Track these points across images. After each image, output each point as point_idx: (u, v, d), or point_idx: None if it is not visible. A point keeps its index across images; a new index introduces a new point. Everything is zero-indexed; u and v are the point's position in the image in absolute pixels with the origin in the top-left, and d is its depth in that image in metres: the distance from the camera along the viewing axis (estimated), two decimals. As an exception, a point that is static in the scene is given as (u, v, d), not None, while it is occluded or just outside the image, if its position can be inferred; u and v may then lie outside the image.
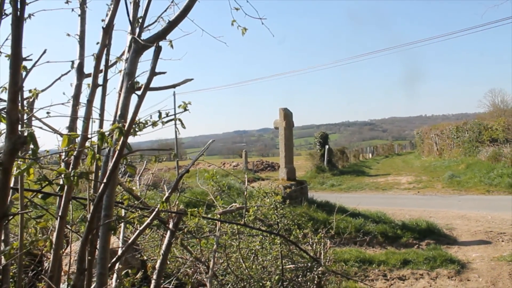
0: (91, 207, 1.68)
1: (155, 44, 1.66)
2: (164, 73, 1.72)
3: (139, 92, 1.64)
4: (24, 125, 1.88)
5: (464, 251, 8.30)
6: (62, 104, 2.64)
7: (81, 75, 2.56)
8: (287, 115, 12.64)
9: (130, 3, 2.51)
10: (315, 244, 4.94)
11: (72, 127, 2.50)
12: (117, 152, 1.56)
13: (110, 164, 1.62)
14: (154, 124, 2.27)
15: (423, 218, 10.54)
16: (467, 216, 11.57)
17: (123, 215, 3.62)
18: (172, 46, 2.28)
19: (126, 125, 1.55)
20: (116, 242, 4.27)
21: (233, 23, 2.63)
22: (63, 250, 3.37)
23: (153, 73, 1.59)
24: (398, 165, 33.50)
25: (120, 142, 1.54)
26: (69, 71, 2.67)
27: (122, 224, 3.81)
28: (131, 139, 2.25)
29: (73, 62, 2.39)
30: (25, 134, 1.42)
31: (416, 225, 9.93)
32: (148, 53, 2.05)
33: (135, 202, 3.30)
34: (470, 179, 18.16)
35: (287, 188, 11.69)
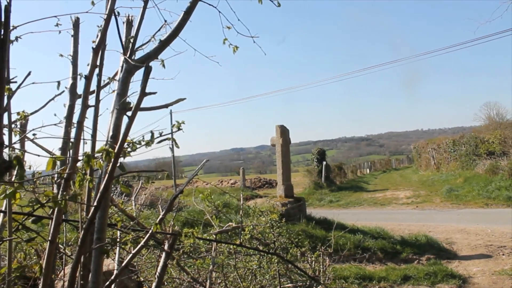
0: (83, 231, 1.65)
1: (145, 64, 1.65)
2: (154, 93, 1.71)
3: (129, 113, 1.62)
4: (11, 148, 1.85)
5: (465, 266, 8.22)
6: (55, 125, 2.61)
7: (74, 95, 2.53)
8: (283, 132, 12.63)
9: (123, 22, 2.51)
10: (313, 262, 4.88)
11: (65, 148, 2.47)
12: (107, 174, 1.54)
13: (101, 187, 1.59)
14: (147, 144, 2.25)
15: (422, 233, 10.47)
16: (466, 230, 11.50)
17: (118, 236, 3.58)
18: (164, 65, 2.27)
19: (117, 146, 1.53)
20: (112, 264, 4.21)
21: (225, 41, 2.63)
22: (57, 273, 3.31)
23: (143, 94, 1.58)
24: (396, 180, 33.45)
25: (111, 164, 1.52)
26: (63, 91, 2.65)
27: (118, 245, 3.75)
28: (127, 159, 2.22)
29: (59, 82, 2.37)
30: (10, 157, 1.38)
31: (415, 240, 9.86)
32: (142, 73, 2.04)
33: (130, 222, 3.25)
34: (468, 192, 18.12)
35: (284, 206, 11.63)
